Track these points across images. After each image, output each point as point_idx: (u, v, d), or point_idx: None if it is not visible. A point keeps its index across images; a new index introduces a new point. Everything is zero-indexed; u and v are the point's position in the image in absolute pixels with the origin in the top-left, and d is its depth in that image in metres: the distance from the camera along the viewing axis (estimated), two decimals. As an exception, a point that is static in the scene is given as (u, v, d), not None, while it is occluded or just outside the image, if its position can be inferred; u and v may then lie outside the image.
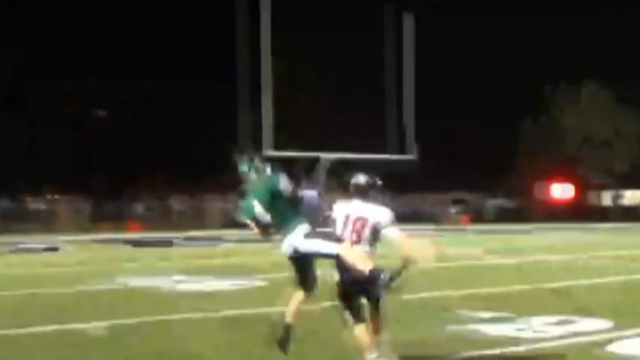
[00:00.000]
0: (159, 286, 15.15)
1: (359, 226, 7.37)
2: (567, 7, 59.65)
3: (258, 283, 15.50)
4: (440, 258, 22.01)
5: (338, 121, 49.31)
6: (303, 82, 48.27)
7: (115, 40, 61.45)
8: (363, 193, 7.51)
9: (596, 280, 15.90)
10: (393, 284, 7.16)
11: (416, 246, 7.40)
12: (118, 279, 16.50)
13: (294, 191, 7.72)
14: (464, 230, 41.76)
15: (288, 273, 7.97)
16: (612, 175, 59.29)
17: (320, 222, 7.79)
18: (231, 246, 28.69)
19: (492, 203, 61.01)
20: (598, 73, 56.64)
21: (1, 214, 49.15)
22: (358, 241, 7.35)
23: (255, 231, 7.84)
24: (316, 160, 28.34)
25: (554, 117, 60.37)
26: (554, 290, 14.23)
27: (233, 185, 8.33)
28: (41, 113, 57.77)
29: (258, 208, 7.64)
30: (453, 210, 54.88)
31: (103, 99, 62.37)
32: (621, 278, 16.36)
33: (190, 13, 63.43)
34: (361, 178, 7.59)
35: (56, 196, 52.99)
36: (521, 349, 8.77)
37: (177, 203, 59.00)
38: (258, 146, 27.60)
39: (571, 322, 10.44)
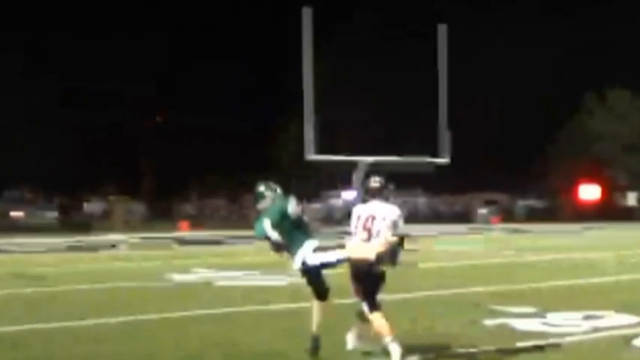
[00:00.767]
0: (210, 282, 15.36)
1: (369, 223, 7.80)
2: (598, 16, 59.21)
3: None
4: (470, 256, 22.04)
5: (376, 125, 49.56)
6: (344, 88, 48.50)
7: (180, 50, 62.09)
8: (376, 193, 7.96)
9: (623, 277, 15.79)
10: (395, 259, 7.80)
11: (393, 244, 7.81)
12: (166, 275, 16.75)
13: (301, 214, 8.16)
14: (494, 229, 41.54)
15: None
16: (638, 176, 58.65)
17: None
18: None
19: (523, 204, 60.63)
20: (625, 78, 56.12)
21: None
22: (369, 238, 7.77)
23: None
24: (355, 164, 28.46)
25: (583, 121, 59.92)
26: (582, 287, 14.20)
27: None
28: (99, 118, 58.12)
29: (269, 227, 8.08)
30: (485, 210, 54.58)
31: (158, 105, 63.20)
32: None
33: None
34: (374, 181, 8.07)
35: (112, 197, 53.76)
36: (549, 342, 8.76)
37: (223, 204, 59.62)
38: (300, 150, 27.73)
39: (598, 317, 10.42)
